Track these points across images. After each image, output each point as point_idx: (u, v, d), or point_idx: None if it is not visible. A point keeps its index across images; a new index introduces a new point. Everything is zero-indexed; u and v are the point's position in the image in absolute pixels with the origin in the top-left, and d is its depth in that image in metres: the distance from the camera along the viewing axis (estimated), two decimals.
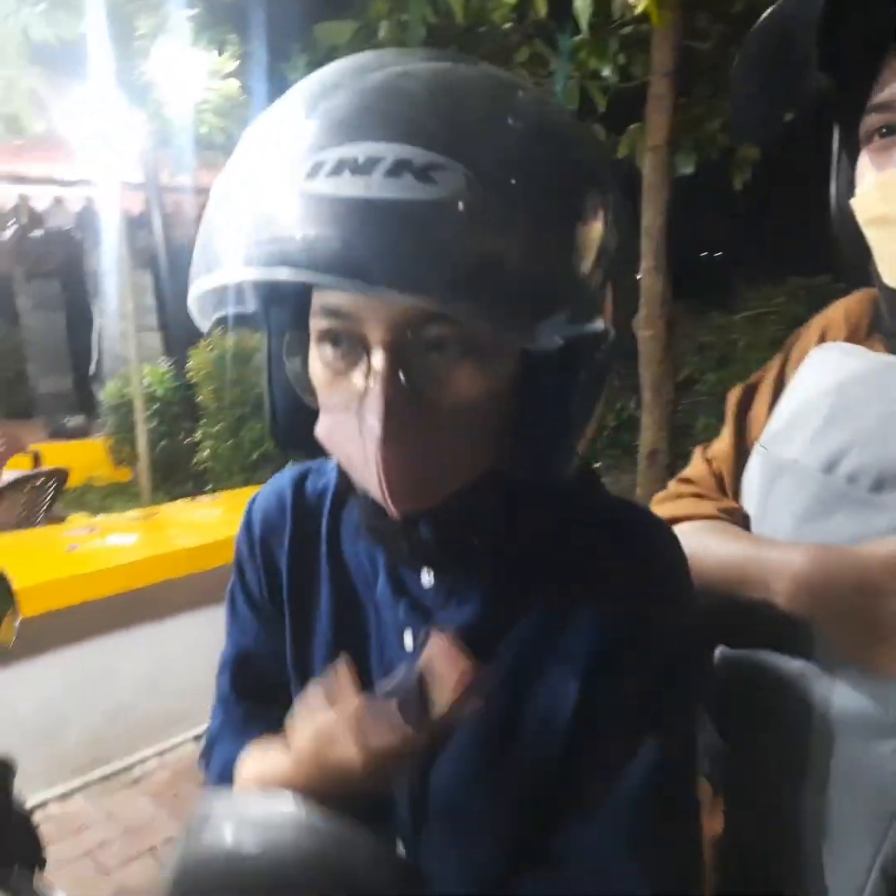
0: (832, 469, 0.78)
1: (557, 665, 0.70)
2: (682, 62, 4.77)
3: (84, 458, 7.03)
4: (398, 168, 0.52)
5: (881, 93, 0.73)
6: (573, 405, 0.64)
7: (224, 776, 0.77)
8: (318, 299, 0.63)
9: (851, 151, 0.79)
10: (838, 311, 0.93)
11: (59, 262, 9.49)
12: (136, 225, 5.93)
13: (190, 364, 5.53)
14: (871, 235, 0.76)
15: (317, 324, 0.63)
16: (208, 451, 5.37)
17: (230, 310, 0.67)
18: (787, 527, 0.81)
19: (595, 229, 0.59)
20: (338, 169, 0.53)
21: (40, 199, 6.71)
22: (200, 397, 5.43)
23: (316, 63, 4.58)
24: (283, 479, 0.86)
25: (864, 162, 0.76)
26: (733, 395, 1.00)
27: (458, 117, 0.56)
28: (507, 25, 4.77)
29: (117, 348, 8.55)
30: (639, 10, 3.04)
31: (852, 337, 0.88)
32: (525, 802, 0.70)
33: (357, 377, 0.61)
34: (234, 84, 5.14)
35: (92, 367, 8.60)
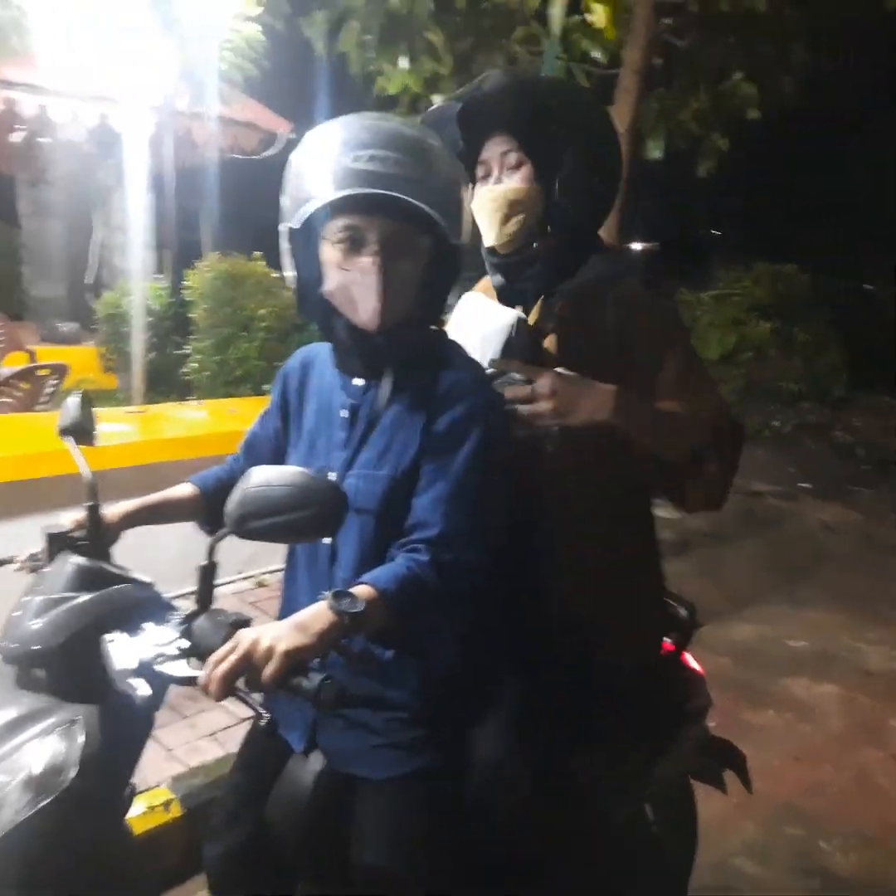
0: None
1: (413, 421, 1.35)
2: (661, 56, 5.23)
3: (74, 362, 7.29)
4: (396, 160, 1.23)
5: (483, 154, 1.57)
6: (449, 282, 1.38)
7: (205, 476, 1.60)
8: (342, 222, 1.28)
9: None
10: (485, 280, 1.74)
11: (65, 172, 9.79)
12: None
13: (186, 282, 5.99)
14: (479, 221, 1.56)
15: (339, 234, 1.29)
16: (196, 364, 5.86)
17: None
18: None
19: (463, 196, 1.34)
20: (368, 158, 1.23)
21: (59, 110, 7.07)
22: (193, 314, 5.89)
23: (331, 21, 5.02)
24: (299, 353, 1.57)
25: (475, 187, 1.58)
26: None
27: (405, 138, 1.29)
28: (508, 3, 5.21)
29: (115, 261, 8.94)
30: (597, 26, 3.52)
31: (487, 293, 1.69)
32: (395, 494, 1.34)
33: (362, 258, 1.29)
34: (255, 28, 5.54)
35: (89, 277, 8.97)
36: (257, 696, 1.07)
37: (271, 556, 4.02)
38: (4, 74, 6.55)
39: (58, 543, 1.29)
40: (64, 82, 6.82)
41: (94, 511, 1.33)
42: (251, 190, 10.57)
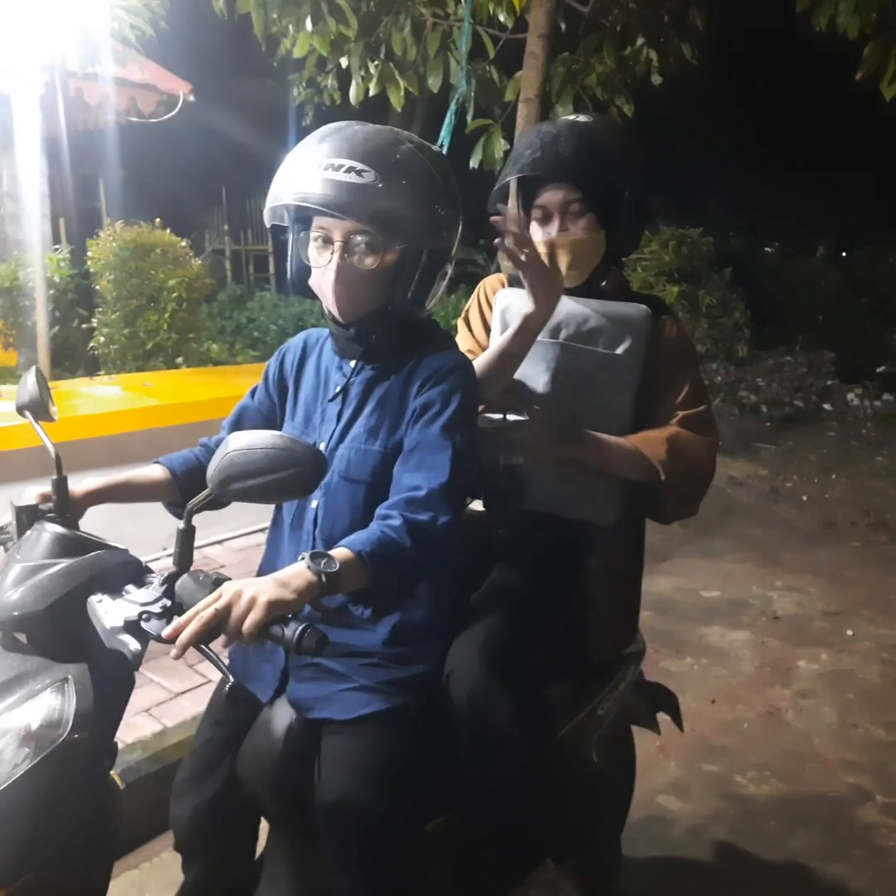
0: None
1: (401, 400, 1.48)
2: (564, 21, 5.26)
3: None
4: (349, 169, 1.34)
5: (539, 199, 1.75)
6: (419, 279, 1.44)
7: (174, 458, 1.62)
8: (316, 222, 1.43)
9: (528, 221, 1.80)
10: (495, 278, 2.00)
11: None
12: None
13: (90, 253, 5.79)
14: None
15: (314, 233, 1.44)
16: (104, 338, 5.70)
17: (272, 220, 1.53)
18: None
19: (432, 200, 1.42)
20: (327, 167, 1.34)
21: None
22: (98, 286, 5.71)
23: None
24: (303, 334, 1.69)
25: (533, 229, 1.77)
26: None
27: (372, 146, 1.38)
28: None
29: (7, 230, 8.55)
30: None
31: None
32: (385, 467, 1.46)
33: (326, 255, 1.43)
34: None
35: None
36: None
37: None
38: None
39: (26, 516, 1.29)
40: None
41: (60, 484, 1.34)
42: (152, 155, 10.29)
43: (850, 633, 4.11)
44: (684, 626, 4.08)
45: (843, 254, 14.88)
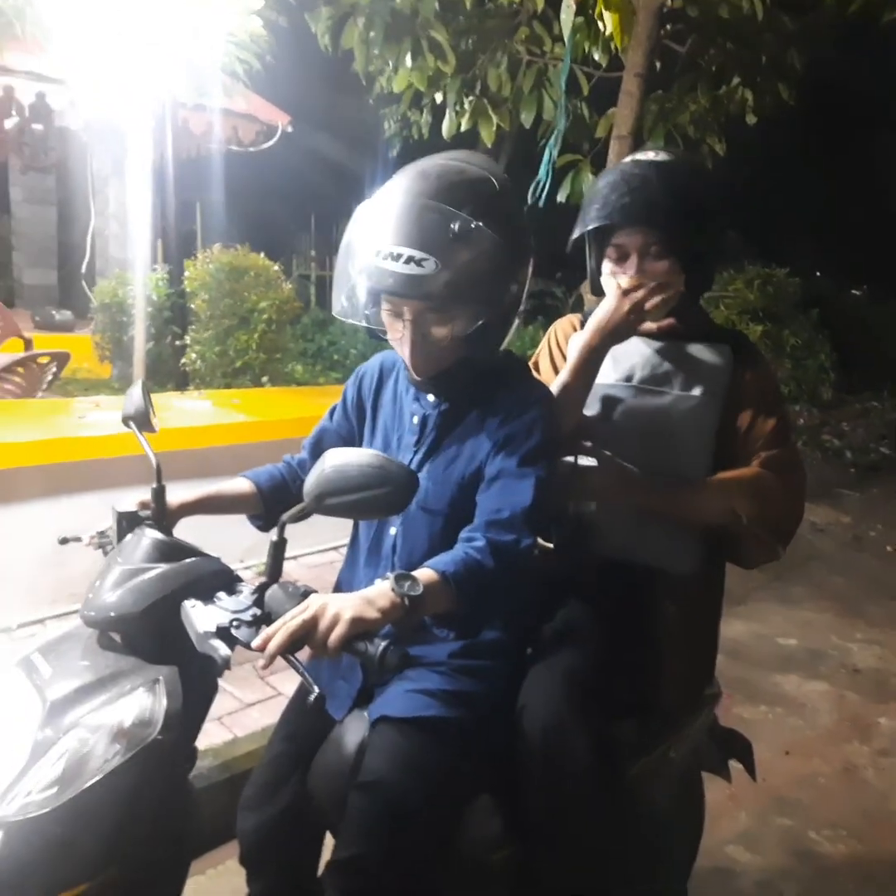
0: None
1: (480, 433, 1.50)
2: (660, 60, 5.29)
3: (69, 350, 7.37)
4: (408, 259, 1.33)
5: (616, 238, 1.70)
6: (492, 331, 1.46)
7: (259, 473, 1.68)
8: (386, 302, 1.44)
9: (600, 256, 1.77)
10: (567, 321, 1.97)
11: (58, 159, 9.76)
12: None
13: (187, 273, 6.01)
14: (605, 287, 1.75)
15: (385, 307, 1.45)
16: (196, 354, 5.89)
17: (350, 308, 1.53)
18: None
19: (497, 265, 1.39)
20: (387, 256, 1.34)
21: (56, 97, 7.05)
22: (193, 305, 5.91)
23: (337, 18, 5.05)
24: (378, 357, 1.72)
25: (607, 265, 1.74)
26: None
27: (427, 229, 1.35)
28: (513, 4, 5.26)
29: (110, 250, 8.93)
30: (606, 33, 3.58)
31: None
32: (462, 497, 1.48)
33: (400, 328, 1.44)
34: (258, 22, 5.56)
35: (84, 265, 8.95)
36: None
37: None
38: (2, 60, 6.52)
39: (126, 521, 1.36)
40: (63, 70, 6.79)
41: (159, 492, 1.40)
42: (247, 182, 10.64)
43: None
44: (759, 673, 3.97)
45: None
